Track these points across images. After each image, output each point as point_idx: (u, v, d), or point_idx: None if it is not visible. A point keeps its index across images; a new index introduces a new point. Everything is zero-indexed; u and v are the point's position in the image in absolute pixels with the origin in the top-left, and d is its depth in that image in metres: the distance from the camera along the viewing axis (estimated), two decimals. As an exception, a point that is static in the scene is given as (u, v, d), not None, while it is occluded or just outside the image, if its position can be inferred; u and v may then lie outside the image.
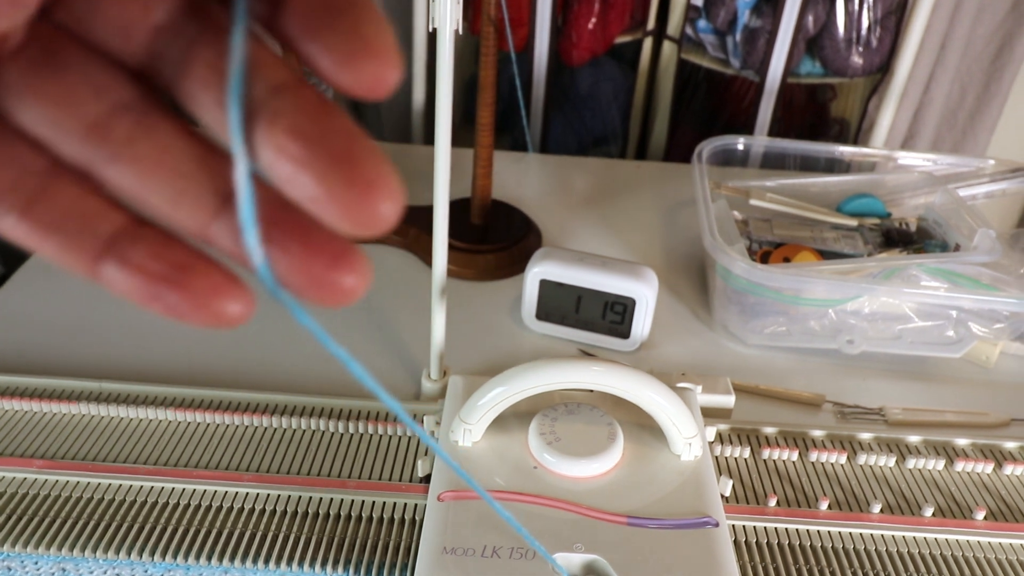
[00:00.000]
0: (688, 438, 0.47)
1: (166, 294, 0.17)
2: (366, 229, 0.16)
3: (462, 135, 1.15)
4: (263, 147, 0.16)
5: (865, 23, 1.00)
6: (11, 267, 0.73)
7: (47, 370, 0.59)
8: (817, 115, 1.20)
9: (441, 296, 0.54)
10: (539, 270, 0.65)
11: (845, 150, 0.82)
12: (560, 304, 0.66)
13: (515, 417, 0.49)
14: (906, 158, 0.81)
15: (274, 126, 0.16)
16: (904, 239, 0.71)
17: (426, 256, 0.76)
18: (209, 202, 0.17)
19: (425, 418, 0.52)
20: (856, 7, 0.99)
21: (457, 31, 0.47)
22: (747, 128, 1.12)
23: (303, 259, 0.17)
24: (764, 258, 0.69)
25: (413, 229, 0.78)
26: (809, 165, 0.85)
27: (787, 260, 0.68)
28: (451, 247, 0.76)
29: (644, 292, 0.63)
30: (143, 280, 0.17)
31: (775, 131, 1.12)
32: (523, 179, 0.95)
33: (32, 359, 0.61)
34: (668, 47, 1.10)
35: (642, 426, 0.49)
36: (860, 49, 1.02)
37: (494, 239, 0.77)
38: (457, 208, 0.79)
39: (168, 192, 0.17)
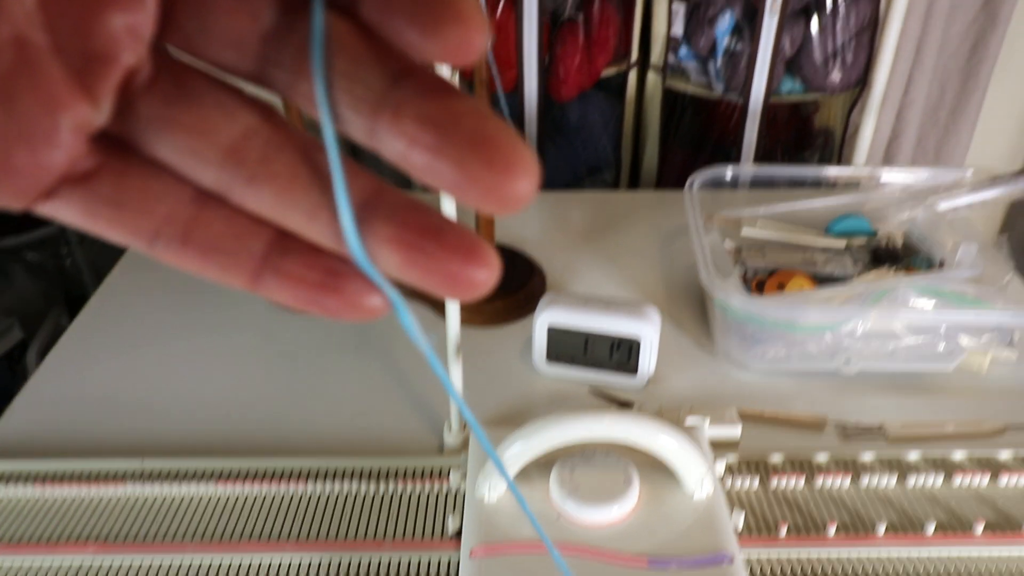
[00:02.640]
0: (699, 477, 0.50)
1: (324, 299, 0.18)
2: (507, 208, 0.16)
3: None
4: (393, 139, 0.16)
5: (840, 41, 1.04)
6: (30, 333, 0.76)
7: (90, 450, 0.63)
8: (802, 128, 1.24)
9: (457, 353, 0.57)
10: (546, 317, 0.68)
11: (829, 171, 0.85)
12: (568, 347, 0.69)
13: (535, 466, 0.52)
14: (889, 174, 0.84)
15: (401, 116, 0.16)
16: (891, 257, 0.74)
17: (437, 307, 0.79)
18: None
19: (451, 474, 0.55)
20: (830, 27, 1.03)
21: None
22: (735, 146, 1.16)
23: (440, 258, 0.17)
24: (759, 286, 0.73)
25: (422, 281, 0.81)
26: (796, 183, 0.88)
27: (781, 286, 0.72)
28: (460, 296, 0.79)
29: (647, 331, 0.66)
30: (301, 288, 0.18)
31: (762, 147, 1.15)
32: (523, 218, 0.99)
33: (75, 440, 0.65)
34: (652, 76, 1.13)
35: (655, 467, 0.52)
36: (837, 66, 1.05)
37: (501, 285, 0.80)
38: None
39: (305, 206, 0.18)
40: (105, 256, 1.36)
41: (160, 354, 0.75)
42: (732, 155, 1.17)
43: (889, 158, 1.55)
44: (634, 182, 1.25)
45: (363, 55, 0.16)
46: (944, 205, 0.77)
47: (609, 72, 1.12)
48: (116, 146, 0.18)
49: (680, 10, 1.06)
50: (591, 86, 1.13)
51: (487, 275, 0.17)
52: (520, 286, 0.80)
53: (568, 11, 1.06)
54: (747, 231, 0.77)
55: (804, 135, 1.24)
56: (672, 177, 1.22)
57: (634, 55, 1.11)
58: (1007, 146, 1.67)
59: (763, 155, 1.17)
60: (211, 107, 0.18)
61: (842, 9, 1.02)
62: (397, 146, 0.16)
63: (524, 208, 0.16)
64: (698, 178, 0.83)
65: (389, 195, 0.17)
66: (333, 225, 0.17)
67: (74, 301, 1.42)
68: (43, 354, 0.76)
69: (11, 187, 0.17)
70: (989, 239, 0.80)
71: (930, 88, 1.49)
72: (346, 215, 0.17)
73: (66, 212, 0.18)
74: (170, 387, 0.71)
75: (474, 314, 0.78)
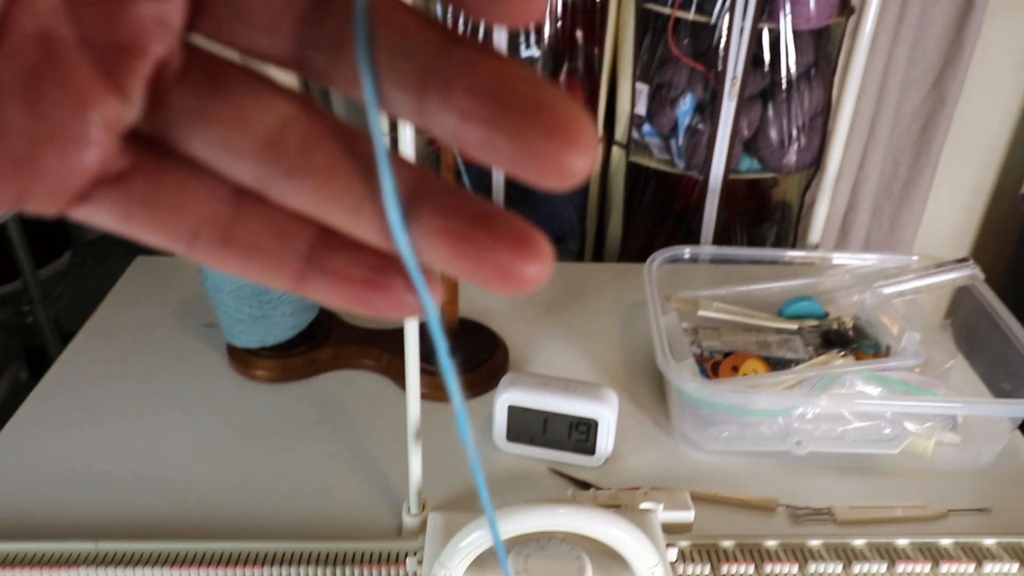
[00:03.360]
0: (651, 567, 0.51)
1: (371, 297, 0.17)
2: (568, 181, 0.15)
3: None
4: (444, 114, 0.15)
5: (794, 125, 1.08)
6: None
7: (43, 531, 0.62)
8: (760, 202, 1.28)
9: (416, 437, 0.58)
10: (507, 397, 0.69)
11: (783, 254, 0.88)
12: (528, 426, 0.70)
13: (491, 553, 0.53)
14: (840, 257, 0.88)
15: (451, 90, 0.15)
16: (841, 340, 0.77)
17: (401, 380, 0.80)
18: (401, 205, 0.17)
19: (408, 559, 0.56)
20: (785, 112, 1.07)
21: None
22: (697, 218, 1.19)
23: (491, 248, 0.16)
24: (714, 368, 0.75)
25: (386, 354, 0.82)
26: (753, 261, 0.91)
27: (735, 369, 0.74)
28: (422, 371, 0.80)
29: (605, 413, 0.68)
30: (348, 287, 0.17)
31: (722, 219, 1.19)
32: (487, 291, 1.00)
33: (27, 519, 0.64)
34: (617, 151, 1.17)
35: (608, 554, 0.53)
36: (792, 149, 1.10)
37: (463, 360, 0.81)
38: (426, 329, 0.84)
39: (348, 200, 0.17)
40: (68, 314, 1.35)
41: (118, 429, 0.75)
42: (695, 225, 1.21)
43: (846, 229, 1.60)
44: (599, 251, 1.28)
45: (408, 25, 0.15)
46: (891, 290, 0.80)
47: (575, 146, 1.16)
48: (149, 145, 0.17)
49: (643, 90, 1.10)
50: (557, 159, 1.16)
51: (539, 269, 0.16)
52: (483, 361, 0.82)
53: (536, 87, 1.10)
54: (703, 313, 0.79)
55: (763, 209, 1.28)
56: (636, 246, 1.25)
57: (599, 131, 1.15)
58: (960, 214, 1.74)
59: (723, 228, 1.21)
60: (245, 97, 0.17)
61: (796, 95, 1.07)
62: (448, 122, 0.15)
63: (582, 183, 0.15)
64: (657, 258, 0.86)
65: (435, 184, 0.16)
66: (378, 219, 0.16)
67: (35, 354, 1.41)
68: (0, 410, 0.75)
69: (43, 191, 0.16)
70: (935, 322, 0.84)
71: (884, 162, 1.55)
72: (393, 210, 0.16)
73: (101, 216, 0.17)
74: (128, 464, 0.70)
75: (437, 389, 0.79)
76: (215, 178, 0.17)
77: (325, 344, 0.83)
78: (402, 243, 0.16)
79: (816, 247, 1.11)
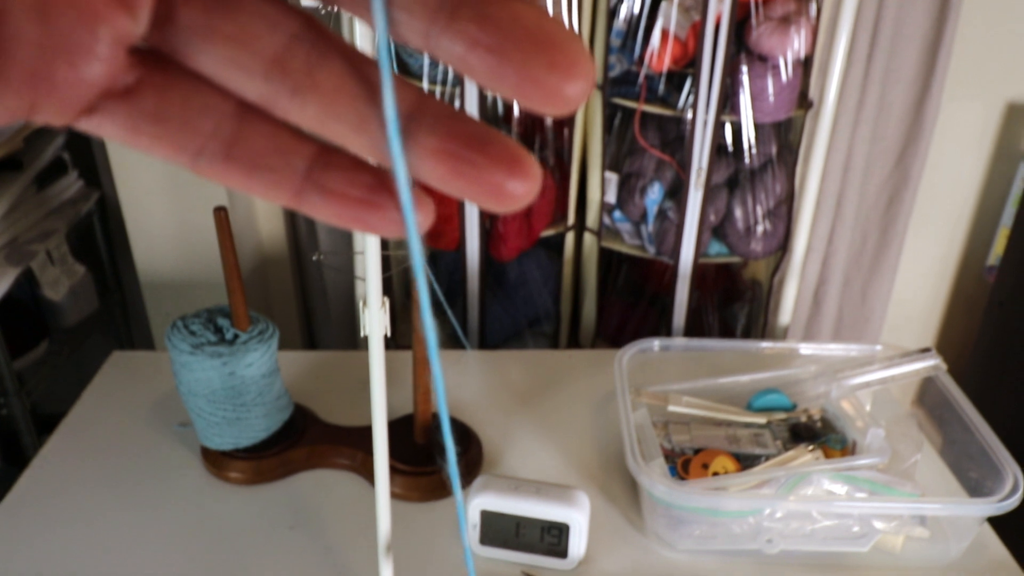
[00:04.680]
0: None
1: (366, 215, 0.18)
2: (567, 108, 0.16)
3: (403, 329, 1.22)
4: (452, 41, 0.16)
5: (760, 213, 1.11)
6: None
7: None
8: (731, 281, 1.31)
9: (387, 552, 0.58)
10: (479, 501, 0.70)
11: (751, 345, 0.90)
12: (501, 530, 0.70)
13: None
14: (807, 348, 0.89)
15: (460, 16, 0.16)
16: (809, 434, 0.78)
17: (372, 480, 0.81)
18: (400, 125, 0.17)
19: None
20: (751, 199, 1.11)
21: (386, 335, 0.53)
22: (670, 298, 1.22)
23: (484, 167, 0.16)
24: (685, 465, 0.76)
25: (360, 453, 0.82)
26: (724, 349, 0.93)
27: (706, 467, 0.75)
28: (395, 470, 0.81)
29: (577, 517, 0.68)
30: (344, 205, 0.18)
31: (694, 300, 1.21)
32: (462, 380, 1.01)
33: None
34: (589, 237, 1.20)
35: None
36: (758, 236, 1.12)
37: (437, 457, 0.82)
38: (400, 427, 0.84)
39: (351, 118, 0.17)
40: (45, 400, 1.34)
41: (90, 533, 0.74)
42: (668, 306, 1.23)
43: (818, 301, 1.63)
44: (574, 333, 1.30)
45: None
46: (856, 381, 0.82)
47: (548, 232, 1.18)
48: (158, 60, 0.18)
49: (612, 179, 1.13)
50: (531, 247, 1.18)
51: (528, 187, 0.17)
52: (457, 458, 0.82)
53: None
54: (673, 408, 0.81)
55: (734, 289, 1.31)
56: (611, 327, 1.27)
57: (571, 219, 1.18)
58: (929, 285, 1.77)
59: (695, 308, 1.23)
60: (253, 15, 0.17)
61: (760, 184, 1.10)
62: (456, 48, 0.16)
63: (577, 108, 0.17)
64: (628, 351, 0.87)
65: (433, 106, 0.17)
66: (379, 137, 0.17)
67: (9, 442, 1.39)
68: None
69: (54, 101, 0.17)
70: (902, 411, 0.85)
71: (852, 237, 1.59)
72: (394, 130, 0.16)
73: (109, 128, 0.18)
74: (99, 569, 0.70)
75: (410, 490, 0.79)
76: (221, 94, 0.18)
77: (299, 443, 0.83)
78: (399, 164, 0.17)
79: (786, 331, 1.14)
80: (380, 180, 0.18)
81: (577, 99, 0.16)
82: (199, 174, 0.18)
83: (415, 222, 0.18)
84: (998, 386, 1.48)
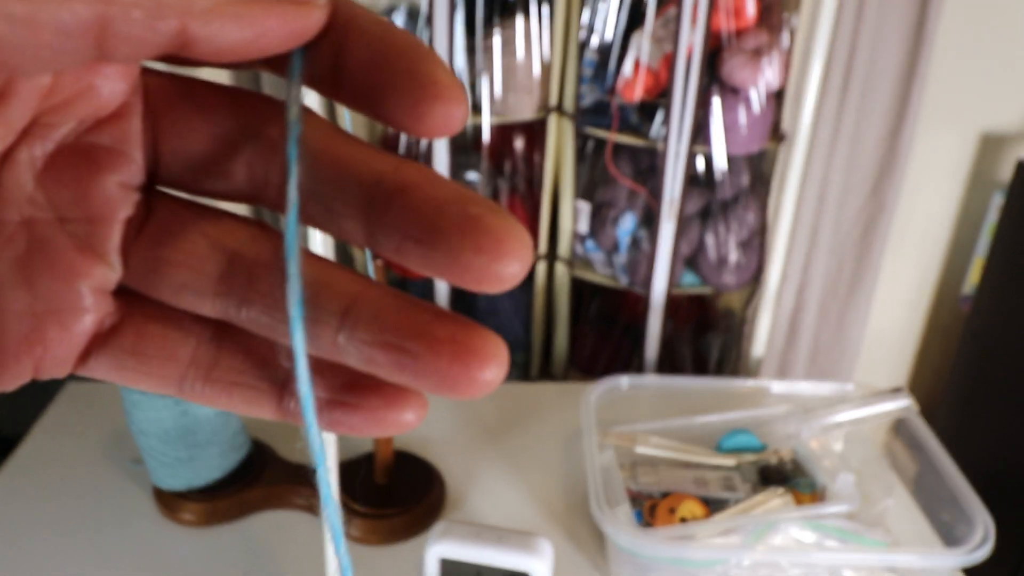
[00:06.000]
0: None
1: (346, 418, 0.18)
2: (504, 286, 0.16)
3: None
4: (387, 237, 0.16)
5: (733, 245, 1.10)
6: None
7: None
8: (705, 312, 1.30)
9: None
10: (438, 549, 0.67)
11: (721, 384, 0.88)
12: (461, 579, 0.68)
13: None
14: (778, 387, 0.88)
15: (390, 214, 0.16)
16: (779, 477, 0.77)
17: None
18: (336, 322, 0.17)
19: None
20: (723, 232, 1.10)
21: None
22: (644, 328, 1.20)
23: (428, 359, 0.16)
24: (652, 510, 0.74)
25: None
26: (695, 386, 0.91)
27: (672, 511, 0.73)
28: (355, 512, 0.78)
29: (538, 567, 0.66)
30: (323, 412, 0.18)
31: (667, 330, 1.20)
32: (429, 414, 0.98)
33: None
34: (561, 267, 1.18)
35: None
36: (732, 267, 1.11)
37: (399, 499, 0.79)
38: (360, 466, 0.82)
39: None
40: (3, 427, 1.31)
41: (33, 583, 0.71)
42: (641, 335, 1.21)
43: (794, 329, 1.62)
44: (546, 362, 1.28)
45: (345, 156, 0.17)
46: (827, 422, 0.81)
47: (520, 261, 1.17)
48: (131, 295, 0.18)
49: (584, 208, 1.12)
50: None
51: (490, 374, 0.16)
52: (419, 500, 0.80)
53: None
54: (641, 449, 0.79)
55: (707, 319, 1.30)
56: (584, 356, 1.25)
57: (543, 248, 1.16)
58: (905, 314, 1.77)
59: (669, 339, 1.21)
60: (197, 238, 0.18)
61: (733, 216, 1.09)
62: (391, 243, 0.16)
63: (523, 292, 0.16)
64: (595, 391, 0.85)
65: (374, 295, 0.17)
66: (328, 336, 0.17)
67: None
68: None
69: (52, 360, 0.17)
70: (874, 452, 0.84)
71: (828, 265, 1.58)
72: (299, 351, 0.16)
73: (100, 369, 0.18)
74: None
75: (369, 533, 0.77)
76: (195, 320, 0.18)
77: (256, 483, 0.80)
78: (304, 389, 0.16)
79: (760, 363, 1.12)
80: (357, 379, 0.18)
81: (512, 277, 0.16)
82: (186, 399, 0.19)
83: (319, 443, 0.17)
84: (974, 414, 1.47)
